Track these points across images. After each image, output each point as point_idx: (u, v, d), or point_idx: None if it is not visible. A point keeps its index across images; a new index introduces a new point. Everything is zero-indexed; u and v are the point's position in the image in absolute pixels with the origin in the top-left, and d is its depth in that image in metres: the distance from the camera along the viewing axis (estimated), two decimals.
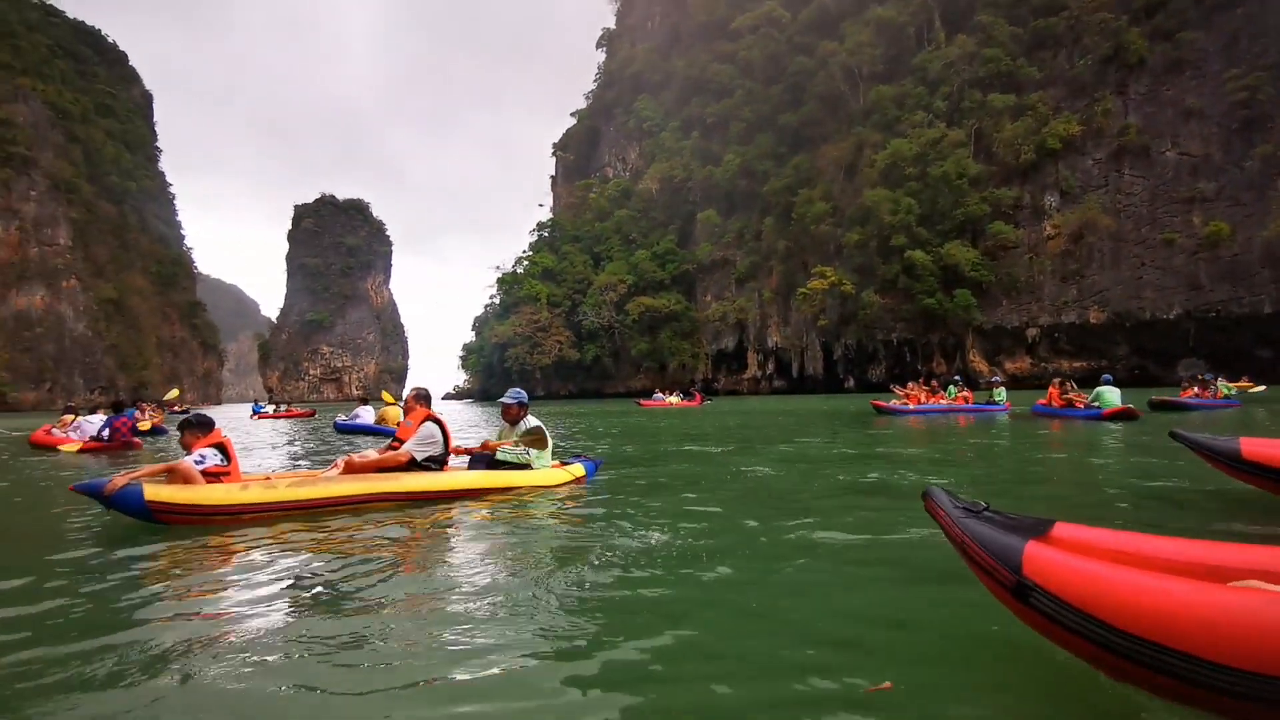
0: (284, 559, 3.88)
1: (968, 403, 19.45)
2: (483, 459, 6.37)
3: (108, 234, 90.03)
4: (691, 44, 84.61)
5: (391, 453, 5.87)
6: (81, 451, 12.18)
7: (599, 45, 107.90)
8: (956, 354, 56.33)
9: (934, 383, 21.97)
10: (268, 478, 5.41)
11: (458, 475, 5.94)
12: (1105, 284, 51.42)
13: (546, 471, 6.39)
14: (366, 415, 16.35)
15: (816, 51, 66.94)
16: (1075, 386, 16.89)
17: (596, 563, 3.63)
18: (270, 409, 32.96)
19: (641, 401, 35.52)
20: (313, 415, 32.22)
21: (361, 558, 3.84)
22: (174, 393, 26.33)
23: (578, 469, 6.78)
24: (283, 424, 25.37)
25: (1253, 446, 4.48)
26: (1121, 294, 50.82)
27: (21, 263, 76.34)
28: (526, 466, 6.31)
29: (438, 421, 6.03)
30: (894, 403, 18.91)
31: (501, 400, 6.59)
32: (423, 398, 6.30)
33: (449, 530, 4.67)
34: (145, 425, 15.63)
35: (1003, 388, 19.53)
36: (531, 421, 6.45)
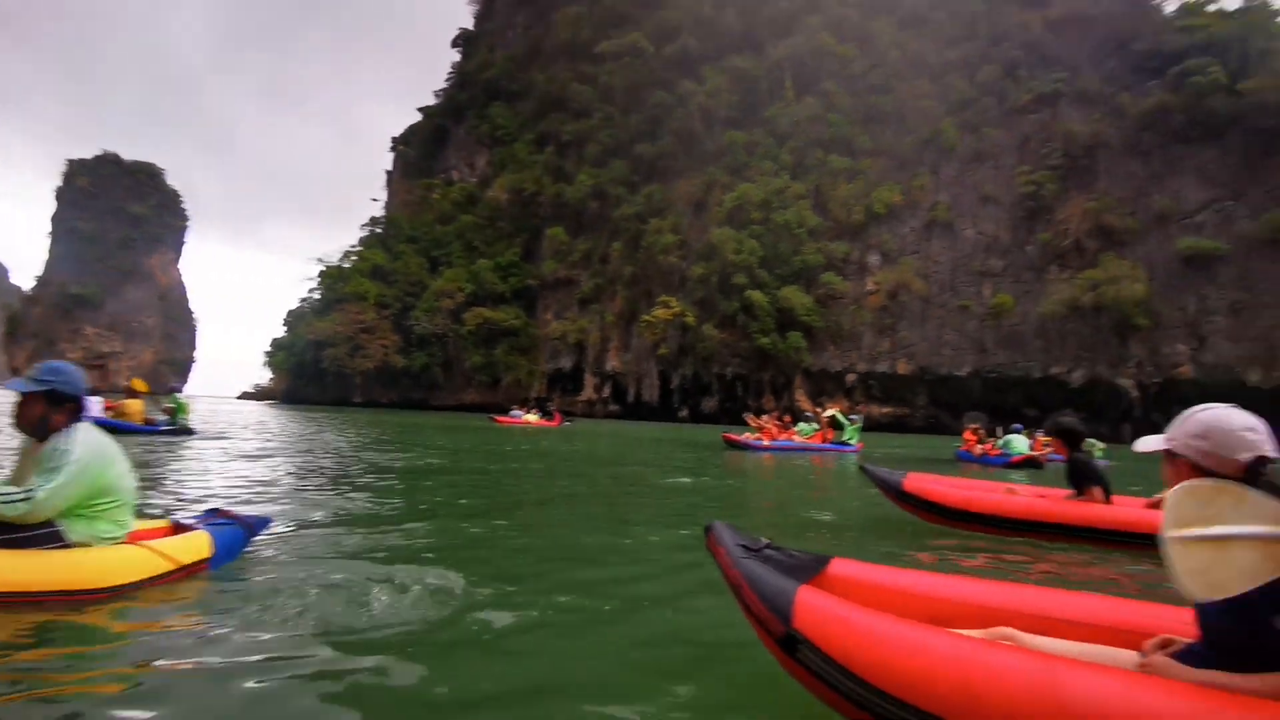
0: None
1: (825, 441, 19.19)
2: None
3: None
4: (553, 60, 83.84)
5: None
6: None
7: (455, 44, 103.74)
8: (785, 392, 59.52)
9: (786, 417, 21.86)
10: None
11: None
12: (913, 339, 57.08)
13: (94, 555, 2.92)
14: (94, 407, 12.48)
15: (677, 88, 68.98)
16: (986, 434, 17.53)
17: None
18: None
19: (497, 418, 33.13)
20: None
21: None
22: None
23: (195, 542, 3.34)
24: None
25: (912, 481, 5.53)
26: (925, 350, 56.66)
27: None
28: (54, 538, 2.88)
29: None
30: (747, 436, 18.36)
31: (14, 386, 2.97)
32: None
33: None
34: None
35: (857, 425, 19.67)
36: (68, 446, 2.88)
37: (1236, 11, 55.93)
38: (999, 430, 20.34)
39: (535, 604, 3.17)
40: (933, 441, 32.57)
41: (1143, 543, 4.77)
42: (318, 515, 5.35)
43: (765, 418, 20.28)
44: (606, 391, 69.65)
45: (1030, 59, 59.05)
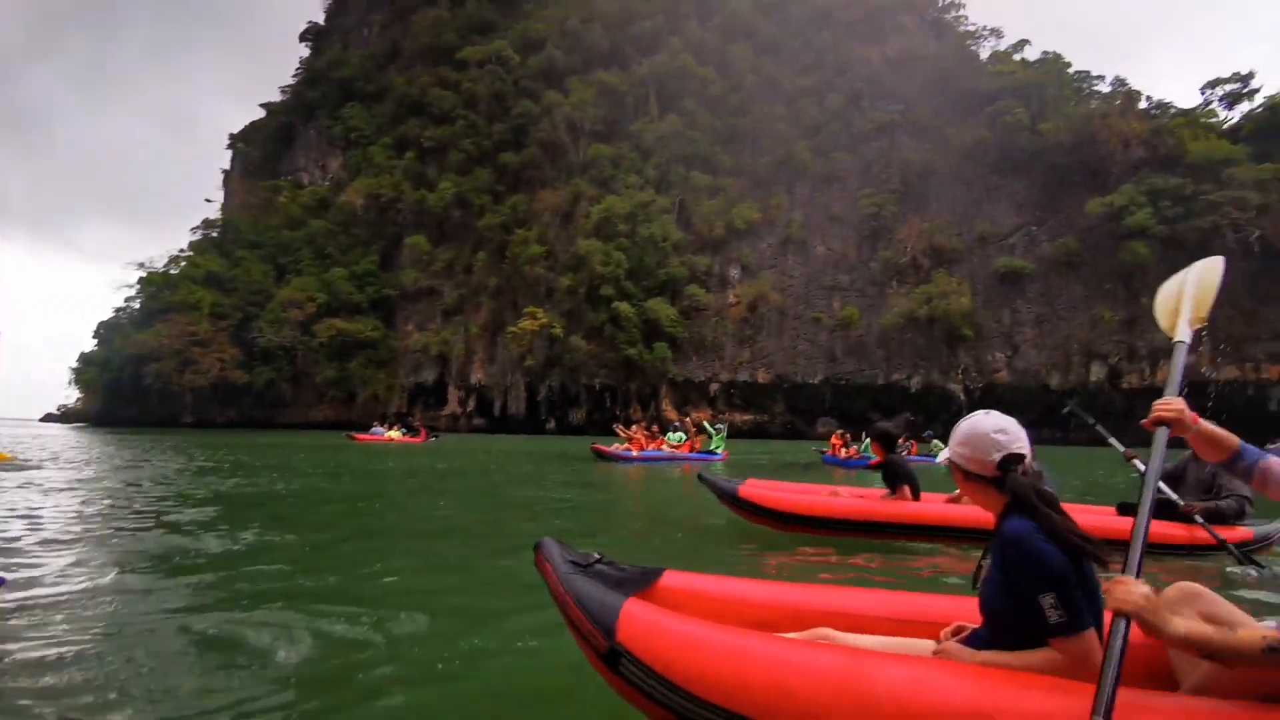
0: None
1: (693, 450, 19.21)
2: None
3: None
4: (412, 63, 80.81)
5: None
6: None
7: (303, 38, 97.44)
8: (651, 402, 60.36)
9: (654, 427, 21.85)
10: None
11: None
12: (771, 350, 59.85)
13: None
14: None
15: (543, 99, 68.70)
16: (850, 439, 18.27)
17: None
18: None
19: (355, 435, 30.60)
20: None
21: None
22: None
23: None
24: None
25: (749, 488, 5.74)
26: (782, 359, 59.57)
27: None
28: None
29: None
30: (616, 447, 18.14)
31: None
32: None
33: None
34: None
35: (722, 434, 19.96)
36: None
37: (1036, 62, 63.83)
38: (862, 435, 21.55)
39: (400, 647, 2.79)
40: (794, 447, 34.06)
41: (944, 535, 5.36)
42: (131, 559, 4.55)
43: (634, 428, 20.14)
44: (471, 405, 67.54)
45: (872, 90, 64.20)
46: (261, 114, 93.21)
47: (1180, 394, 1.87)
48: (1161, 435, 1.78)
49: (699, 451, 18.82)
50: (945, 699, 1.44)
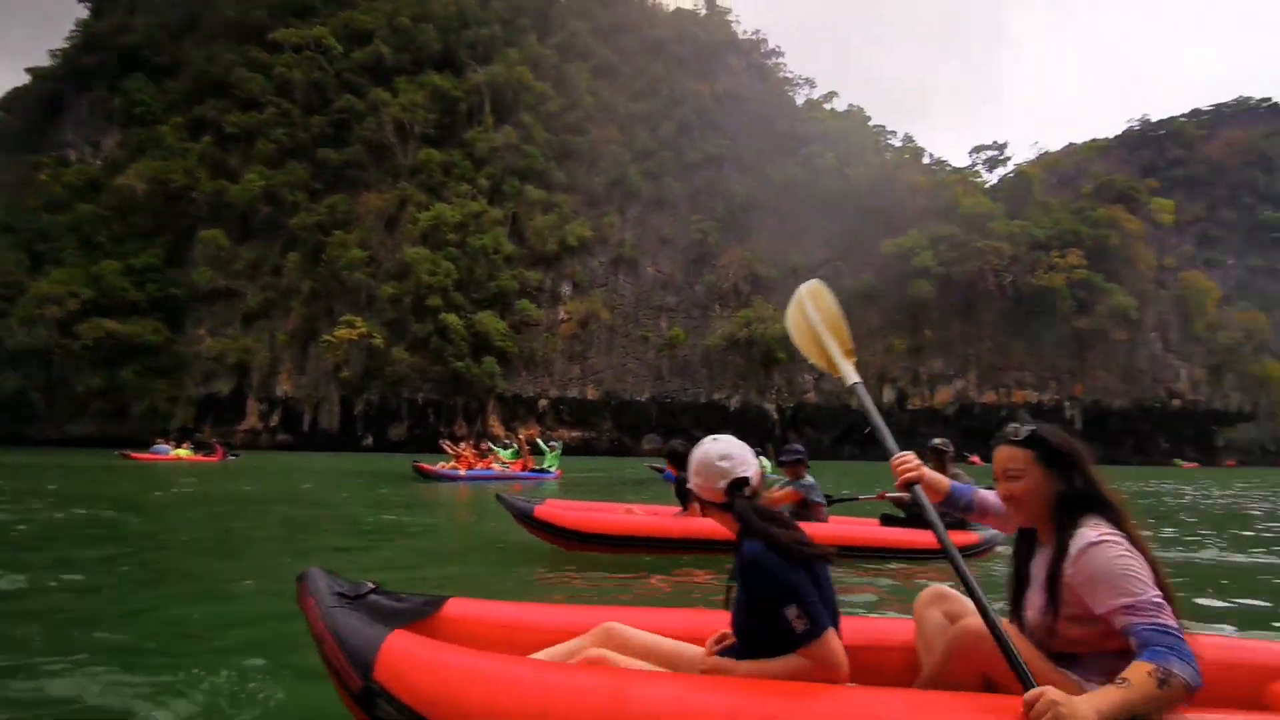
0: None
1: (525, 469, 18.37)
2: None
3: None
4: (216, 37, 72.51)
5: None
6: None
7: None
8: (478, 418, 58.40)
9: (484, 444, 20.79)
10: None
11: None
12: (601, 367, 60.40)
13: None
14: None
15: (368, 95, 64.60)
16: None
17: None
18: None
19: (132, 454, 25.97)
20: None
21: None
22: None
23: None
24: None
25: (545, 508, 5.77)
26: (611, 377, 60.31)
27: None
28: None
29: None
30: (442, 465, 17.05)
31: None
32: None
33: None
34: None
35: (557, 452, 19.43)
36: None
37: (843, 112, 70.85)
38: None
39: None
40: (622, 464, 34.25)
41: (724, 549, 5.35)
42: None
43: (463, 445, 18.99)
44: (275, 419, 61.21)
45: (701, 123, 67.55)
46: (27, 79, 79.13)
47: (889, 436, 2.08)
48: (917, 492, 1.94)
49: (531, 470, 18.07)
50: (703, 716, 1.47)
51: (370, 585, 2.04)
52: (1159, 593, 1.52)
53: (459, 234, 57.86)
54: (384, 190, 62.15)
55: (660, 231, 63.55)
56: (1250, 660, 1.89)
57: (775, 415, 59.87)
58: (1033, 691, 1.42)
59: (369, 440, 58.47)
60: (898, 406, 58.33)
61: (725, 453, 1.88)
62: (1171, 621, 1.47)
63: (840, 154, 64.67)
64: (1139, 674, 1.40)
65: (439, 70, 67.13)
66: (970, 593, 1.65)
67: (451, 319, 54.55)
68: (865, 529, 5.85)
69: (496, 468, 17.79)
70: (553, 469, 18.50)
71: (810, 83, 76.67)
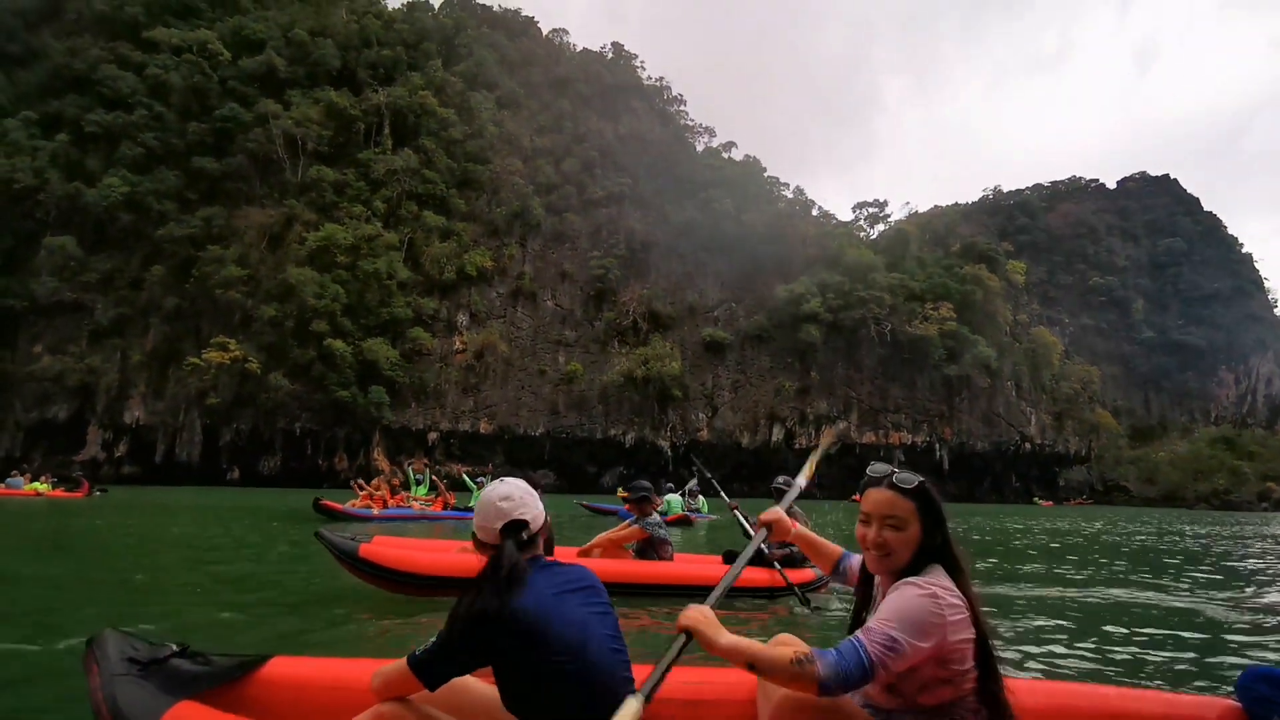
0: None
1: (446, 507, 16.65)
2: None
3: None
4: (81, 29, 66.38)
5: None
6: None
7: None
8: (361, 450, 55.23)
9: (397, 479, 19.09)
10: None
11: None
12: (495, 400, 58.92)
13: None
14: None
15: (256, 106, 60.95)
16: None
17: None
18: None
19: None
20: None
21: None
22: None
23: None
24: None
25: (371, 547, 5.06)
26: (506, 410, 58.94)
27: None
28: None
29: None
30: (352, 504, 15.41)
31: None
32: None
33: None
34: None
35: (484, 488, 17.98)
36: None
37: (740, 161, 74.21)
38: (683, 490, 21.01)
39: None
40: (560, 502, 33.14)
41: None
42: None
43: (377, 481, 17.23)
44: (122, 449, 55.09)
45: (604, 161, 68.60)
46: None
47: (787, 510, 2.32)
48: (763, 532, 2.14)
49: (454, 509, 16.70)
50: None
51: (174, 648, 1.93)
52: (915, 646, 1.52)
53: (350, 256, 55.15)
54: (268, 206, 58.44)
55: (561, 266, 63.45)
56: (1075, 706, 1.99)
57: (669, 451, 60.49)
58: (691, 605, 1.67)
59: (235, 473, 53.80)
60: (784, 445, 60.54)
61: (507, 494, 1.86)
62: (877, 653, 1.50)
63: (736, 200, 67.56)
64: (790, 647, 1.59)
65: (336, 87, 64.47)
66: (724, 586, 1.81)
67: (338, 345, 51.61)
68: (708, 567, 5.72)
69: (415, 506, 16.46)
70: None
71: (710, 131, 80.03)
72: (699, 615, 1.61)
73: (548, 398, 59.94)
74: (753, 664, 1.53)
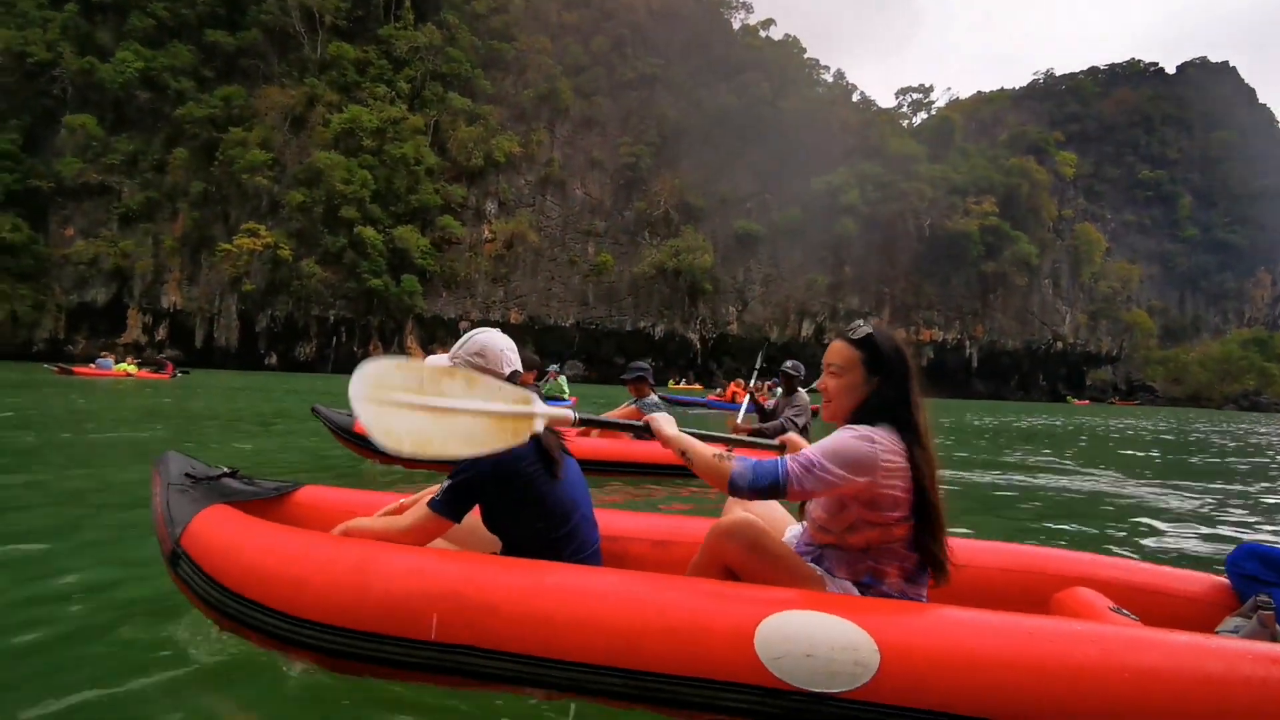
0: None
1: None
2: None
3: None
4: None
5: None
6: None
7: None
8: (395, 339, 55.86)
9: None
10: None
11: None
12: (525, 290, 58.80)
13: None
14: None
15: None
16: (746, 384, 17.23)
17: None
18: None
19: (73, 369, 23.22)
20: None
21: None
22: None
23: None
24: None
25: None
26: (536, 301, 58.93)
27: None
28: None
29: None
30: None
31: None
32: None
33: None
34: None
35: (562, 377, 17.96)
36: None
37: (779, 42, 69.82)
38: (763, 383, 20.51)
39: None
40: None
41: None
42: None
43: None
44: (162, 333, 56.10)
45: (635, 40, 64.79)
46: None
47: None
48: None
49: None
50: (436, 580, 1.65)
51: (225, 469, 2.27)
52: (837, 475, 1.57)
53: (376, 140, 53.54)
54: (288, 85, 56.23)
55: (590, 153, 61.36)
56: (1039, 568, 2.05)
57: (697, 345, 60.74)
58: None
59: (273, 359, 54.88)
60: (815, 340, 60.48)
61: (510, 346, 2.07)
62: (796, 472, 1.59)
63: (774, 84, 64.07)
64: (716, 448, 1.76)
65: None
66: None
67: (369, 232, 51.07)
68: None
69: None
70: (566, 397, 17.06)
71: (747, 7, 74.66)
72: (661, 416, 1.86)
73: (577, 288, 59.68)
74: (684, 453, 1.75)
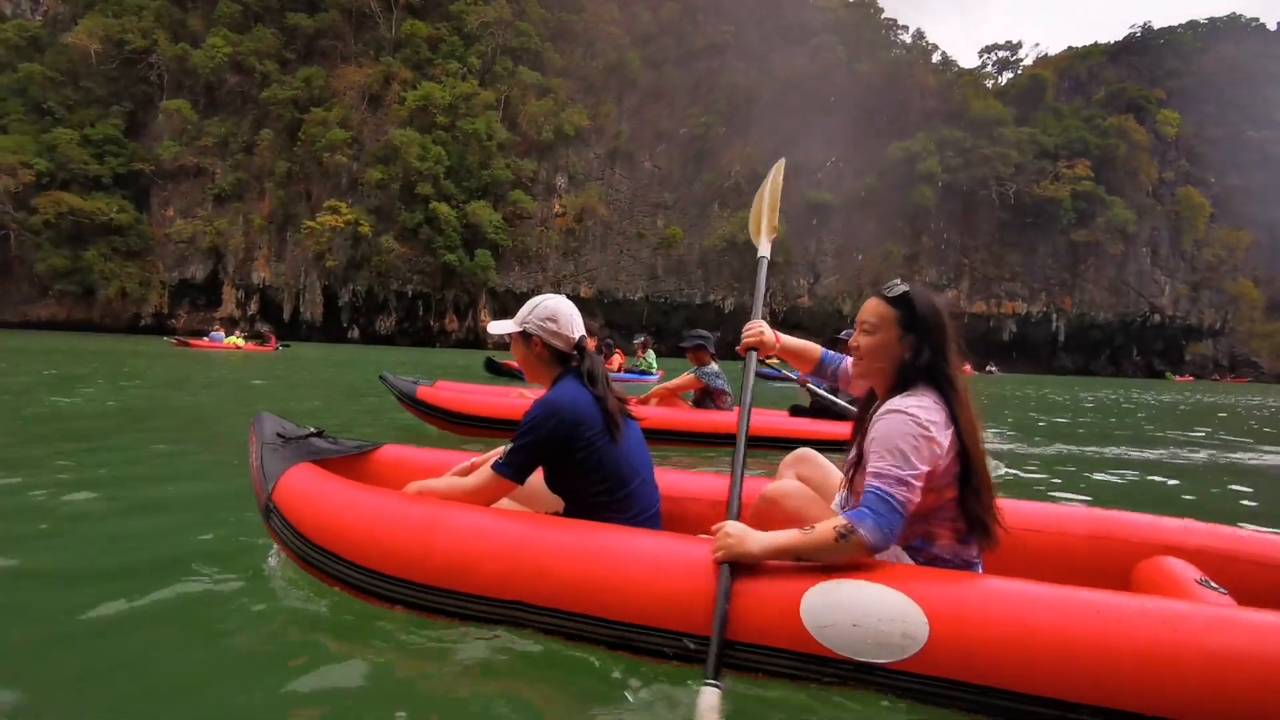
0: None
1: (620, 370, 16.98)
2: None
3: None
4: None
5: None
6: None
7: None
8: (469, 312, 57.17)
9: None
10: None
11: None
12: (595, 264, 59.11)
13: None
14: None
15: None
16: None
17: None
18: None
19: (190, 341, 25.21)
20: None
21: None
22: None
23: None
24: None
25: (428, 390, 5.66)
26: (605, 274, 59.20)
27: None
28: None
29: None
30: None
31: None
32: None
33: None
34: None
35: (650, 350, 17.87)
36: None
37: (853, 3, 67.12)
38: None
39: None
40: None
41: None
42: None
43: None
44: (254, 308, 59.02)
45: (706, 6, 63.40)
46: None
47: (762, 313, 2.10)
48: (751, 357, 2.02)
49: (626, 371, 16.68)
50: (498, 539, 1.71)
51: (313, 430, 2.39)
52: (918, 470, 1.48)
53: (449, 116, 54.41)
54: (365, 64, 57.65)
55: (658, 124, 60.75)
56: (1122, 535, 1.91)
57: (768, 318, 59.74)
58: (720, 524, 1.58)
59: (355, 333, 57.03)
60: None
61: (576, 311, 2.07)
62: (900, 495, 1.46)
63: (849, 47, 61.73)
64: (826, 525, 1.48)
65: None
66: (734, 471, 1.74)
67: (443, 208, 52.16)
68: (770, 419, 5.51)
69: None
70: (653, 373, 17.06)
71: None
72: (728, 541, 1.53)
73: (646, 261, 59.61)
74: (799, 556, 1.52)
